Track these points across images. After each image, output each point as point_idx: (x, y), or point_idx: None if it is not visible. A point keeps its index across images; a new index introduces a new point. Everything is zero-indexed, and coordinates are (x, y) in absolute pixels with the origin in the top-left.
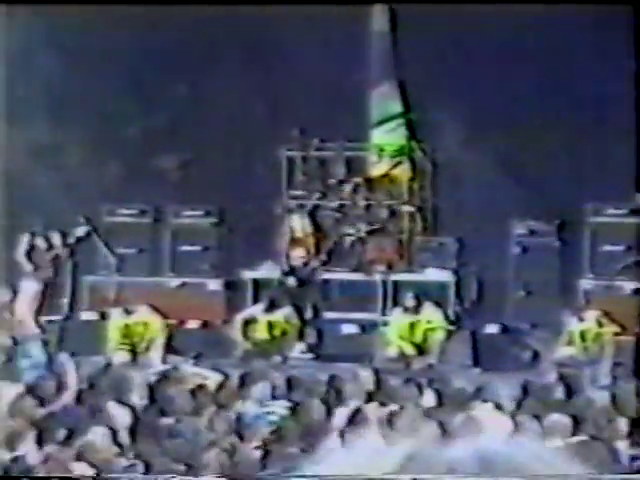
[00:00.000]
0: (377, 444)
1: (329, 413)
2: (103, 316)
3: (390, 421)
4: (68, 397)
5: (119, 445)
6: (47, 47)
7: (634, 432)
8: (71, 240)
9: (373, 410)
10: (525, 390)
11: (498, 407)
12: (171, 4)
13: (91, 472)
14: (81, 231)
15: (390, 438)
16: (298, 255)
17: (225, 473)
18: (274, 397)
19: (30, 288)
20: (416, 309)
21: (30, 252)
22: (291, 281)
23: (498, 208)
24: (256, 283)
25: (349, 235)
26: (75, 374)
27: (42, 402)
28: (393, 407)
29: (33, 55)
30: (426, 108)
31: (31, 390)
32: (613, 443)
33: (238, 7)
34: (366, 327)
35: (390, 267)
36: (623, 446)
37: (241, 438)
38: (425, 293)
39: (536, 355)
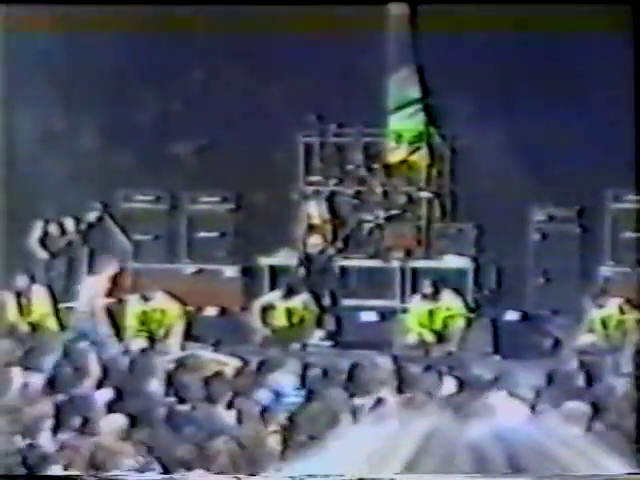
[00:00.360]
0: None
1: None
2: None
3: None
4: (89, 384)
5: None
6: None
7: None
8: (83, 226)
9: (392, 397)
10: (547, 378)
11: (517, 395)
12: None
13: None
14: (93, 216)
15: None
16: (315, 242)
17: (237, 462)
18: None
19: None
20: (435, 296)
21: (44, 239)
22: (308, 268)
23: (517, 194)
24: (273, 270)
25: (367, 222)
26: (96, 362)
27: (62, 389)
28: (412, 394)
29: (39, 40)
30: (445, 94)
31: (52, 378)
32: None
33: None
34: (385, 314)
35: (408, 254)
36: None
37: (259, 424)
38: (444, 280)
39: (557, 342)
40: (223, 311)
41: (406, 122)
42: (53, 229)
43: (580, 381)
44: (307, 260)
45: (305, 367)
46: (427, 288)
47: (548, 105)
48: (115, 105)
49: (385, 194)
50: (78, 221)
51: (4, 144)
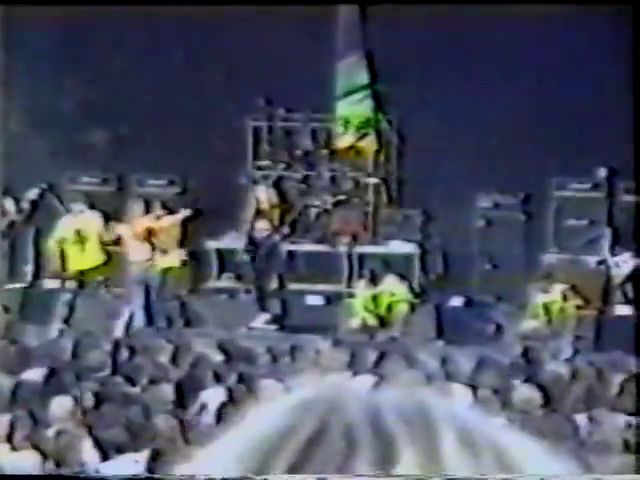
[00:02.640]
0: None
1: None
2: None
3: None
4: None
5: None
6: None
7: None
8: (25, 205)
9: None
10: (486, 363)
11: (459, 379)
12: None
13: None
14: (33, 194)
15: None
16: (263, 226)
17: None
18: None
19: None
20: (380, 281)
21: None
22: (254, 252)
23: (464, 181)
24: (220, 254)
25: (314, 207)
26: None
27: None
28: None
29: None
30: (392, 80)
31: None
32: (572, 415)
33: None
34: (331, 299)
35: (355, 239)
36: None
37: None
38: (390, 265)
39: (500, 328)
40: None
41: (354, 108)
42: None
43: (522, 366)
44: (254, 244)
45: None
46: (373, 273)
47: (496, 92)
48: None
49: (333, 179)
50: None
51: None
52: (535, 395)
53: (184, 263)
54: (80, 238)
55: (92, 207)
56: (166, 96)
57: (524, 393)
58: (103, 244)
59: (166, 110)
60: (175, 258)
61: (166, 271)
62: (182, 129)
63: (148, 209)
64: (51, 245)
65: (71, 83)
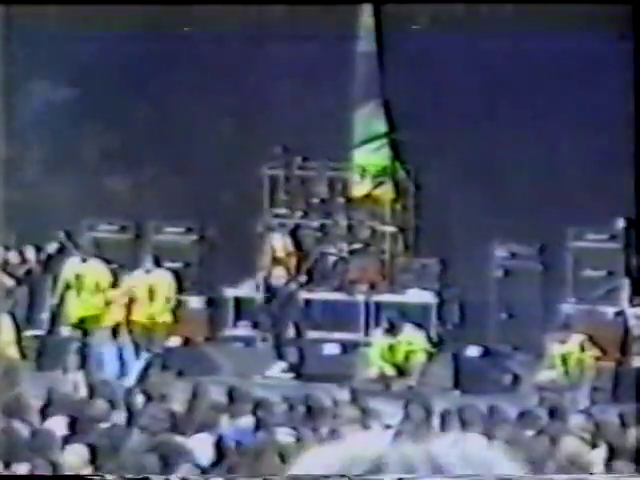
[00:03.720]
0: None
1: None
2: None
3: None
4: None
5: None
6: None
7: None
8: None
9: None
10: (503, 413)
11: (475, 429)
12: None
13: None
14: (53, 248)
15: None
16: (279, 274)
17: None
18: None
19: None
20: (398, 330)
21: (5, 267)
22: (272, 301)
23: (481, 230)
24: (237, 301)
25: (331, 255)
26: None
27: None
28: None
29: None
30: (409, 128)
31: None
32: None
33: (219, 22)
34: (347, 347)
35: (372, 287)
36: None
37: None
38: (407, 314)
39: (517, 378)
40: (187, 341)
41: (371, 156)
42: (13, 257)
43: (540, 417)
44: (271, 292)
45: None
46: (390, 322)
47: (512, 140)
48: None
49: (349, 228)
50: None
51: None
52: (548, 447)
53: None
54: (79, 284)
55: (105, 255)
56: (185, 143)
57: (539, 444)
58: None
59: (185, 157)
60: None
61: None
62: (200, 176)
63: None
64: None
65: (90, 129)
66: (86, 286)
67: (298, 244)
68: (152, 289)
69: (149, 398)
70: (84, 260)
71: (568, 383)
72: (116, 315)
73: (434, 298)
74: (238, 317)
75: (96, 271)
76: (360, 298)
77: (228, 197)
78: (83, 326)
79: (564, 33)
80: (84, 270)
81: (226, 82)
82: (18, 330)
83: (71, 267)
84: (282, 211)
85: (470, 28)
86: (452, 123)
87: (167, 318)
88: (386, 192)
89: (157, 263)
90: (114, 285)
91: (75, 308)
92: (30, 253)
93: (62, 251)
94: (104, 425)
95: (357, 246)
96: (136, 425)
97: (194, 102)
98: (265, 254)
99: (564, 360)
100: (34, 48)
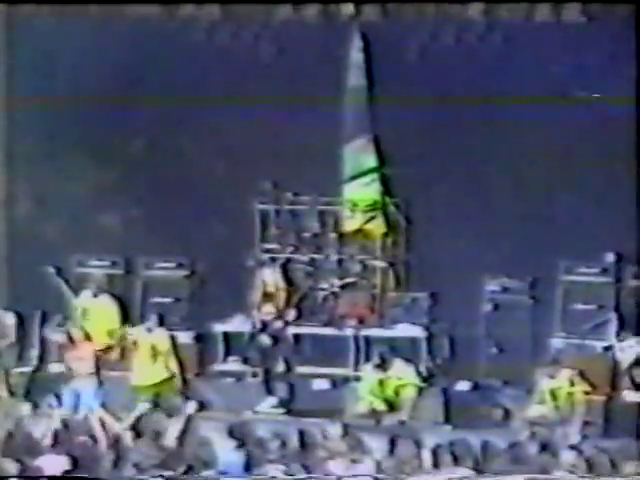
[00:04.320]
0: None
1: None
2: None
3: None
4: None
5: None
6: None
7: None
8: None
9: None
10: (493, 448)
11: (466, 464)
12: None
13: None
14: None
15: None
16: (269, 310)
17: None
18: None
19: None
20: (388, 365)
21: None
22: (264, 338)
23: (471, 264)
24: (226, 337)
25: (321, 289)
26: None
27: None
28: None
29: None
30: (398, 162)
31: None
32: None
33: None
34: (337, 382)
35: (362, 322)
36: None
37: None
38: (397, 349)
39: (507, 413)
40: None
41: (361, 191)
42: None
43: (530, 451)
44: (261, 327)
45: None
46: (380, 357)
47: (501, 172)
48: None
49: (340, 262)
50: None
51: None
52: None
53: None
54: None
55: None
56: (176, 180)
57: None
58: None
59: (176, 193)
60: None
61: None
62: (191, 212)
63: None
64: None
65: (82, 165)
66: (94, 322)
67: (289, 279)
68: (154, 347)
69: (139, 435)
70: (95, 295)
71: (558, 418)
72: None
73: (424, 332)
74: (228, 352)
75: (105, 307)
76: (349, 333)
77: (219, 232)
78: None
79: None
80: (94, 305)
81: (214, 119)
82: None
83: (82, 300)
84: (273, 246)
85: (461, 57)
86: (441, 156)
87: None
88: (377, 226)
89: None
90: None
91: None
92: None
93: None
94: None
95: (348, 280)
96: (127, 462)
97: (184, 137)
98: (256, 289)
99: (554, 395)
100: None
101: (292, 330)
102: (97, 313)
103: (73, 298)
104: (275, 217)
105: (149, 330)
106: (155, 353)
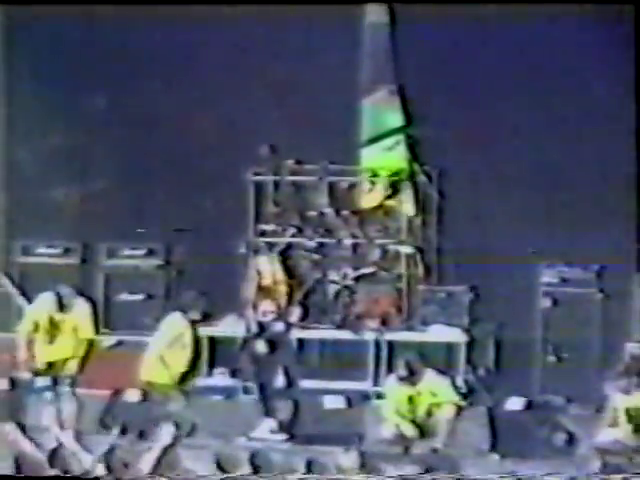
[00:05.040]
0: None
1: None
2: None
3: None
4: None
5: None
6: None
7: None
8: None
9: None
10: None
11: None
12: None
13: None
14: None
15: None
16: (267, 308)
17: None
18: None
19: None
20: (417, 378)
21: None
22: (260, 344)
23: (523, 249)
24: (213, 343)
25: (332, 282)
26: None
27: None
28: None
29: None
30: (433, 122)
31: None
32: None
33: None
34: (354, 400)
35: (384, 323)
36: None
37: None
38: (429, 357)
39: (571, 438)
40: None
41: (383, 157)
42: None
43: None
44: (255, 331)
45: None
46: (408, 367)
47: (566, 137)
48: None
49: (355, 248)
50: None
51: None
52: None
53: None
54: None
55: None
56: (148, 145)
57: None
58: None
59: (148, 162)
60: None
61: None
62: (166, 185)
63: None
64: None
65: (29, 125)
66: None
67: (290, 269)
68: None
69: (110, 470)
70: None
71: (637, 444)
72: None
73: (463, 336)
74: (214, 363)
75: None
76: (369, 337)
77: (202, 210)
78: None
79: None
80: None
81: (199, 65)
82: None
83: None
84: (270, 227)
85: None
86: (486, 114)
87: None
88: (402, 202)
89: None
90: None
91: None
92: None
93: None
94: None
95: (366, 271)
96: None
97: (161, 90)
98: (249, 282)
99: (630, 415)
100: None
101: (296, 334)
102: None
103: (22, 302)
104: (274, 191)
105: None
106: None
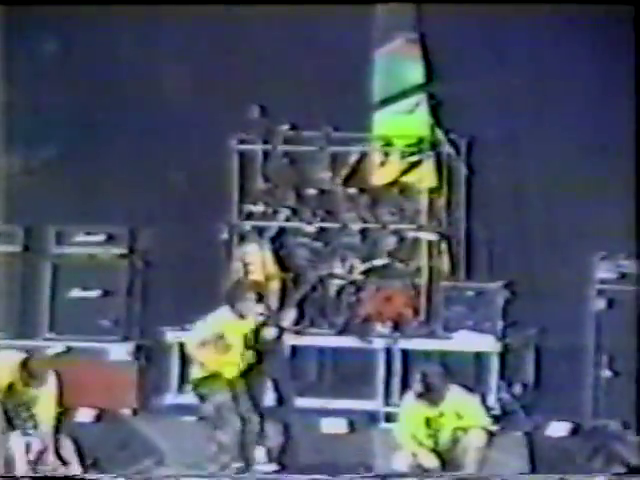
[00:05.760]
0: None
1: None
2: None
3: None
4: None
5: None
6: None
7: None
8: None
9: None
10: None
11: None
12: None
13: None
14: None
15: None
16: (253, 307)
17: None
18: None
19: None
20: (438, 395)
21: None
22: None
23: (571, 238)
24: (183, 352)
25: (335, 277)
26: None
27: None
28: None
29: None
30: (461, 77)
31: None
32: None
33: None
34: (359, 422)
35: (397, 328)
36: None
37: None
38: (453, 370)
39: (630, 470)
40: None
41: (400, 122)
42: None
43: None
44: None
45: None
46: (427, 382)
47: (616, 100)
48: None
49: (364, 234)
50: None
51: None
52: None
53: None
54: None
55: None
56: (108, 105)
57: None
58: None
59: (108, 126)
60: None
61: None
62: (131, 154)
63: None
64: None
65: None
66: None
67: (283, 260)
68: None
69: None
70: None
71: None
72: None
73: (496, 344)
74: (185, 377)
75: None
76: (379, 344)
77: (174, 186)
78: None
79: None
80: None
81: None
82: None
83: None
84: (259, 208)
85: None
86: (527, 68)
87: None
88: (423, 178)
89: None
90: None
91: None
92: None
93: None
94: None
95: (377, 263)
96: None
97: (121, 34)
98: (232, 276)
99: None
100: None
101: (289, 340)
102: None
103: None
104: (263, 163)
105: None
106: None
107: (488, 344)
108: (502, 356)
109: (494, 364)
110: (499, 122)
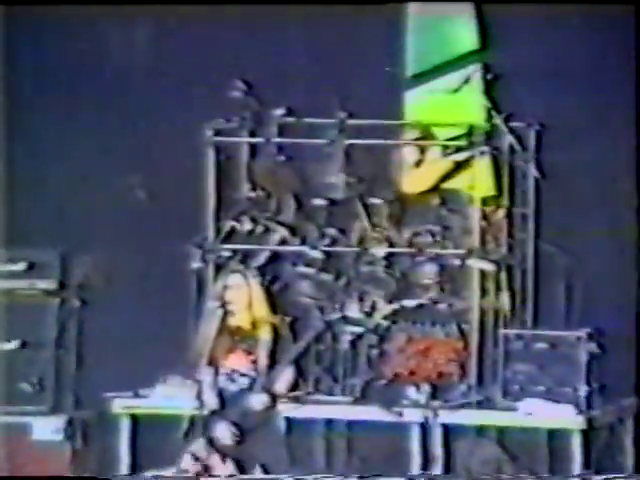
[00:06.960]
0: None
1: None
2: None
3: None
4: None
5: None
6: None
7: None
8: None
9: None
10: None
11: None
12: None
13: None
14: None
15: None
16: (236, 364)
17: None
18: None
19: None
20: None
21: None
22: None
23: None
24: (138, 424)
25: (349, 322)
26: None
27: None
28: None
29: None
30: (526, 46)
31: None
32: None
33: None
34: None
35: (438, 393)
36: None
37: None
38: (517, 453)
39: None
40: None
41: (442, 104)
42: None
43: None
44: (217, 405)
45: None
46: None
47: None
48: None
49: (390, 261)
50: None
51: None
52: None
53: None
54: None
55: None
56: (46, 85)
57: None
58: None
59: (37, 112)
60: None
61: None
62: (77, 153)
63: None
64: None
65: None
66: None
67: (276, 298)
68: None
69: None
70: None
71: None
72: None
73: (579, 418)
74: (137, 458)
75: None
76: (411, 416)
77: (124, 196)
78: None
79: None
80: None
81: None
82: None
83: None
84: (245, 226)
85: None
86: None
87: None
88: (474, 183)
89: None
90: None
91: None
92: None
93: None
94: None
95: (408, 303)
96: None
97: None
98: (206, 320)
99: None
100: None
101: (284, 411)
102: None
103: None
104: (250, 161)
105: None
106: None
107: (567, 418)
108: (586, 435)
109: (576, 445)
110: (579, 106)
